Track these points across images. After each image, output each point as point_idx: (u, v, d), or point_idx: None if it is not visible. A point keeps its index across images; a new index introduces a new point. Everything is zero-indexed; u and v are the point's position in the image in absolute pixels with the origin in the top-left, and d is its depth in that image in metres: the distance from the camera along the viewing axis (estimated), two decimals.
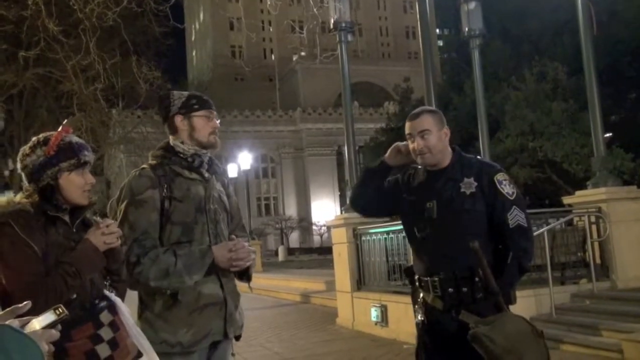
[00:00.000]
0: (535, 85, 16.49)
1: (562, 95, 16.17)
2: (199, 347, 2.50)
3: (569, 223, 8.39)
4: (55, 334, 1.30)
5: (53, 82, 20.39)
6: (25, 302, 1.34)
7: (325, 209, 57.11)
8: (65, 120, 2.30)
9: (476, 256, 2.51)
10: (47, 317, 1.31)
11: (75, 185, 2.13)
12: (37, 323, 1.29)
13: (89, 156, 2.17)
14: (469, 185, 2.66)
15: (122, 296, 2.24)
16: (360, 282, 9.15)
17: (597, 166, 8.51)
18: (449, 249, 2.62)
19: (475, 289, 2.58)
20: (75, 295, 1.98)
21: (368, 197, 2.91)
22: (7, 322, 1.23)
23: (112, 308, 2.08)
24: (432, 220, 2.65)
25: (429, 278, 2.66)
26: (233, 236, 2.62)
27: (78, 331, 1.91)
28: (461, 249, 2.57)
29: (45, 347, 1.24)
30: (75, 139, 2.18)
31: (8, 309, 1.34)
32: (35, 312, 1.53)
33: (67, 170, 2.12)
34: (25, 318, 1.29)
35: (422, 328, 2.73)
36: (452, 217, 2.63)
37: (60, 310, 1.33)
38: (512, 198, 2.65)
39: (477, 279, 2.57)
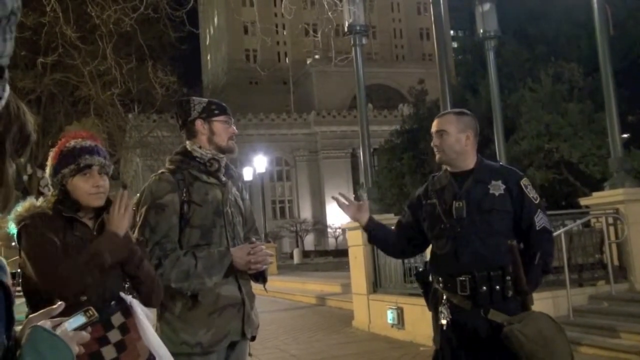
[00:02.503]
0: (551, 86, 16.36)
1: (579, 97, 16.04)
2: (219, 348, 2.55)
3: (586, 224, 8.32)
4: (86, 336, 1.34)
5: (70, 87, 20.62)
6: (58, 304, 1.37)
7: (340, 212, 56.68)
8: (67, 127, 2.34)
9: (512, 255, 2.60)
10: (78, 320, 1.35)
11: (81, 189, 2.17)
12: (68, 325, 1.32)
13: (90, 159, 2.18)
14: (497, 187, 2.73)
15: (148, 299, 2.26)
16: (376, 285, 9.15)
17: (615, 167, 8.44)
18: (481, 248, 2.67)
19: (506, 287, 2.63)
20: (85, 298, 2.01)
21: (399, 246, 3.08)
22: (39, 324, 1.26)
23: (127, 310, 2.11)
24: (461, 220, 2.70)
25: (457, 278, 2.68)
26: (254, 239, 2.68)
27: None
28: (493, 248, 2.65)
29: (76, 349, 1.27)
30: (82, 143, 2.21)
31: (42, 310, 1.38)
32: (66, 296, 1.56)
33: (70, 175, 2.17)
34: (56, 320, 1.32)
35: (447, 330, 2.73)
36: (482, 217, 2.69)
37: (91, 313, 1.37)
38: (537, 202, 2.77)
39: (508, 277, 2.62)
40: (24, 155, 1.13)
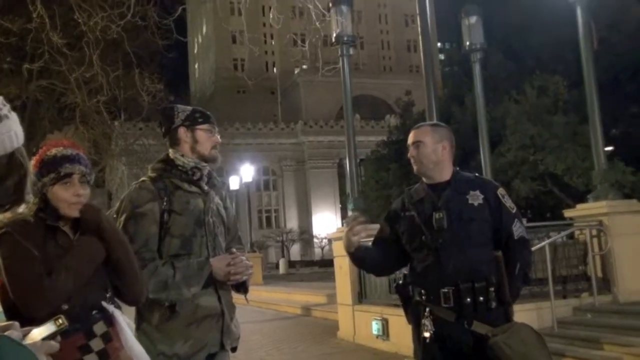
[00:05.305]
0: (536, 99, 16.52)
1: (563, 109, 16.20)
2: (196, 359, 2.51)
3: (570, 236, 8.37)
4: (54, 345, 1.30)
5: (56, 94, 20.47)
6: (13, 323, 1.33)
7: (327, 222, 57.00)
8: (48, 135, 2.33)
9: (497, 266, 2.62)
10: (48, 328, 1.32)
11: (60, 198, 2.14)
12: (38, 334, 1.29)
13: (71, 168, 2.15)
14: (475, 197, 2.74)
15: (131, 291, 2.27)
16: (361, 295, 9.14)
17: (598, 179, 8.52)
18: (463, 259, 2.66)
19: (490, 298, 2.63)
20: (67, 307, 1.98)
21: (380, 265, 3.00)
22: (6, 333, 1.22)
23: (109, 319, 2.09)
24: (442, 231, 2.68)
25: (440, 290, 2.66)
26: (234, 249, 2.64)
27: (68, 341, 1.91)
28: (475, 258, 2.65)
29: (44, 359, 1.23)
30: (64, 152, 2.18)
31: (9, 322, 1.34)
32: (35, 315, 1.52)
33: (50, 184, 2.14)
34: (25, 328, 1.29)
35: (430, 342, 2.70)
36: (463, 227, 2.68)
37: (61, 322, 1.34)
38: (513, 211, 2.78)
39: (491, 288, 2.63)
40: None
